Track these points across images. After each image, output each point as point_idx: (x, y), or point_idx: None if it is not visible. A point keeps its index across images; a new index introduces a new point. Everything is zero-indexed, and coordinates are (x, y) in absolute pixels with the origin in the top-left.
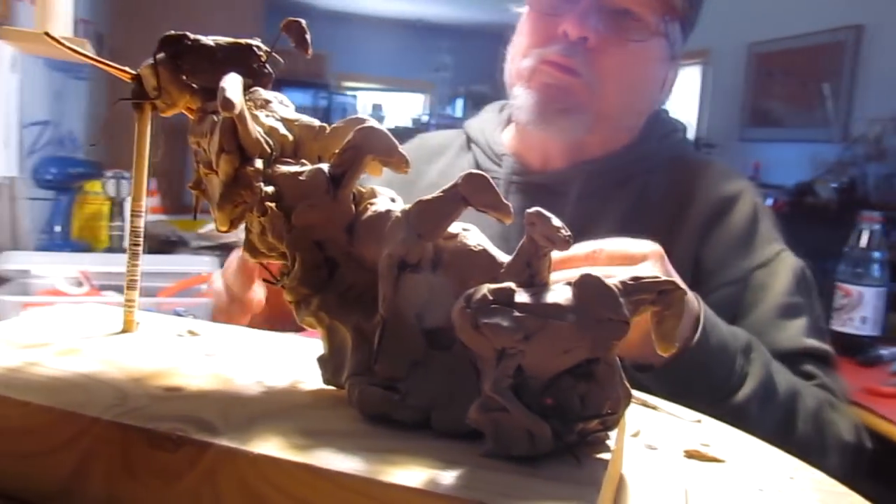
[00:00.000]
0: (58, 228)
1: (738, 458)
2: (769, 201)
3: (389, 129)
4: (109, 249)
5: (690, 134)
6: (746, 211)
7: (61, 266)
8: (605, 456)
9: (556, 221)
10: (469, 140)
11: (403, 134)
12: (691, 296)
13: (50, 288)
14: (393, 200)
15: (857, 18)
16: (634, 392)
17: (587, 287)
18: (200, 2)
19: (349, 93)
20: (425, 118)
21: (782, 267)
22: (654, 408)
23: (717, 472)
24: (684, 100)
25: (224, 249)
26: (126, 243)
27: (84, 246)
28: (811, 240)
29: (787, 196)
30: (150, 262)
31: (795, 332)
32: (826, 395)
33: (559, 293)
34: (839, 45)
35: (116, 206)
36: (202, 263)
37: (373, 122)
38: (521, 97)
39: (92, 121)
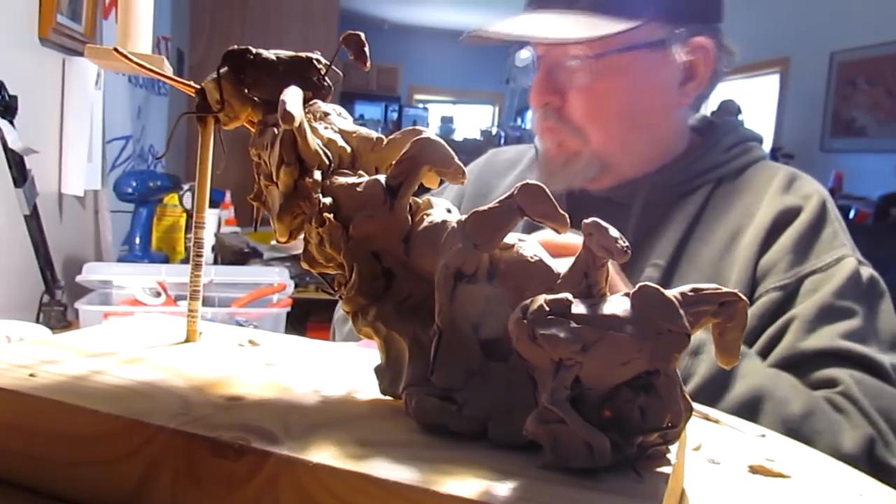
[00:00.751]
0: (138, 240)
1: (804, 474)
2: (851, 213)
3: (459, 141)
4: (186, 261)
5: (768, 144)
6: (810, 217)
7: (140, 277)
8: (665, 470)
9: (614, 231)
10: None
11: (473, 145)
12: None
13: (129, 298)
14: (449, 211)
15: None
16: (696, 405)
17: (646, 298)
18: (276, 18)
19: (420, 105)
20: (494, 130)
21: (839, 272)
22: (716, 421)
23: (783, 488)
24: (763, 109)
25: (296, 260)
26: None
27: (162, 257)
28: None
29: (871, 208)
30: (224, 273)
31: (830, 334)
32: (834, 401)
33: (617, 304)
34: None
35: (192, 218)
36: (274, 274)
37: (429, 133)
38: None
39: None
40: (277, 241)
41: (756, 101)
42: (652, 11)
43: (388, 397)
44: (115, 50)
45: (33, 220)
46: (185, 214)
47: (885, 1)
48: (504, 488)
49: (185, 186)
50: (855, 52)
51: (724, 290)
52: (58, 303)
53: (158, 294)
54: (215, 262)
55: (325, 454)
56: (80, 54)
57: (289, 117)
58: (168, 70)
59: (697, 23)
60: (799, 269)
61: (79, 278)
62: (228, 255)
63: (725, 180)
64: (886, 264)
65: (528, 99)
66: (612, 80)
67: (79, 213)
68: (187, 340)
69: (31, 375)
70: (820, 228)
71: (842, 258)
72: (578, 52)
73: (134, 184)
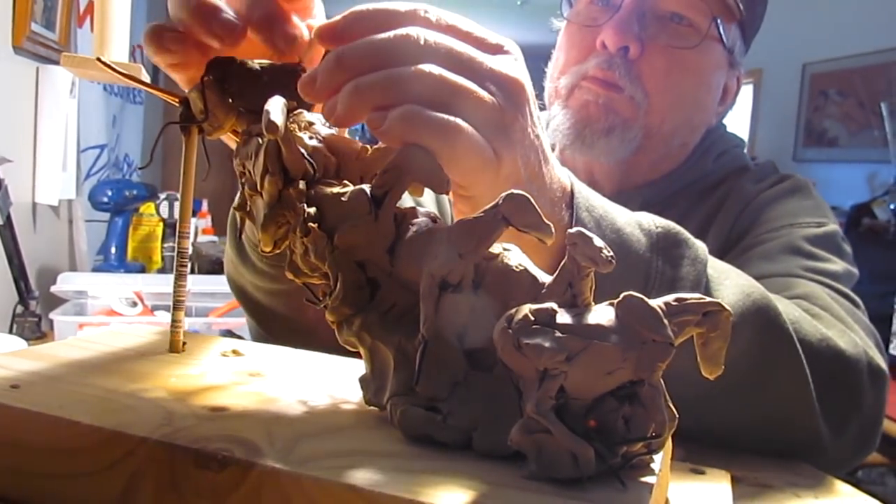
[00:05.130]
0: (113, 250)
1: (784, 483)
2: None
3: None
4: (162, 270)
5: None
6: (792, 185)
7: (116, 287)
8: (650, 479)
9: (598, 241)
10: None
11: None
12: (553, 174)
13: (105, 308)
14: (434, 221)
15: None
16: None
17: (630, 308)
18: None
19: None
20: None
21: (821, 229)
22: None
23: (766, 498)
24: (737, 119)
25: None
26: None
27: (139, 267)
28: (869, 262)
29: (843, 218)
30: (201, 283)
31: (794, 264)
32: (813, 311)
33: (602, 314)
34: None
35: (169, 227)
36: None
37: (414, 143)
38: (558, 118)
39: (147, 144)
40: (262, 252)
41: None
42: (746, 14)
43: (372, 408)
44: (98, 59)
45: (6, 230)
46: (161, 223)
47: (856, 14)
48: (490, 498)
49: (162, 195)
50: (827, 64)
51: (708, 299)
52: (32, 314)
53: (135, 304)
54: (192, 272)
55: (310, 465)
56: (55, 62)
57: (273, 127)
58: (145, 79)
59: (747, 45)
60: (786, 219)
61: (53, 288)
62: (206, 264)
63: (708, 189)
64: (859, 273)
65: (597, 37)
66: (700, 57)
67: (53, 222)
68: (171, 351)
69: (13, 387)
70: (804, 195)
71: (825, 223)
72: (689, 14)
73: (110, 193)
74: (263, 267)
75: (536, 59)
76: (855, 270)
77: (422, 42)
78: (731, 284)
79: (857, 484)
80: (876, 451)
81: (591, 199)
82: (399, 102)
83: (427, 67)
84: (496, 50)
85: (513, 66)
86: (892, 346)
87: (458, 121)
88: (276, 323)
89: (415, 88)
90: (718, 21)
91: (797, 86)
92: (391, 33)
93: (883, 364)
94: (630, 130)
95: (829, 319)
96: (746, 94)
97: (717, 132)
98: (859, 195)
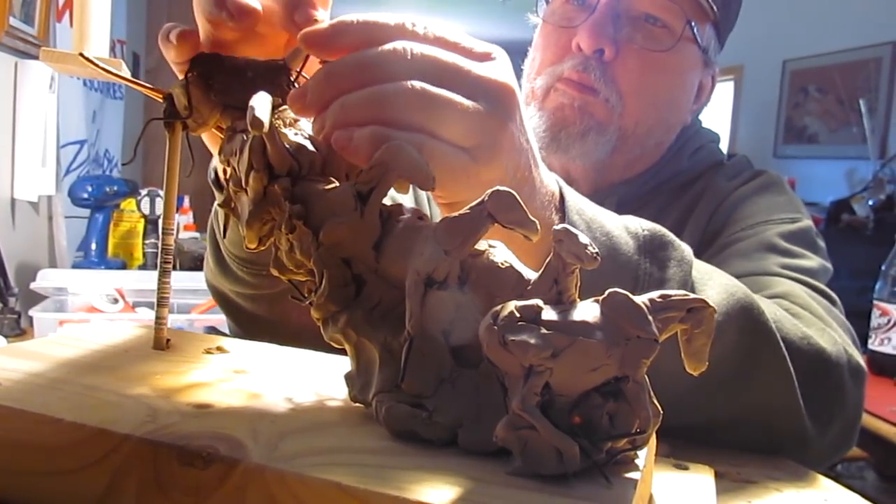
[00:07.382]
0: (94, 246)
1: (768, 480)
2: None
3: None
4: (143, 267)
5: (723, 150)
6: (766, 181)
7: (97, 283)
8: (634, 475)
9: (584, 238)
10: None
11: None
12: (543, 177)
13: (86, 305)
14: (420, 218)
15: (894, 35)
16: None
17: (615, 304)
18: None
19: None
20: None
21: (794, 224)
22: None
23: (749, 494)
24: (717, 116)
25: None
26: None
27: (119, 263)
28: (848, 258)
29: (823, 214)
30: (184, 279)
31: (772, 262)
32: (793, 311)
33: (587, 310)
34: (876, 61)
35: (150, 223)
36: None
37: (399, 140)
38: (534, 120)
39: (128, 140)
40: (247, 248)
41: (711, 107)
42: (721, 14)
43: (358, 404)
44: (81, 55)
45: None
46: (142, 220)
47: (836, 11)
48: (475, 494)
49: (143, 191)
50: (807, 61)
51: (692, 296)
52: (11, 310)
53: (116, 301)
54: (175, 268)
55: (295, 462)
56: (34, 57)
57: (258, 123)
58: (125, 74)
59: (721, 43)
60: (758, 217)
61: (33, 285)
62: (188, 260)
63: (687, 185)
64: (838, 269)
65: (573, 38)
66: (674, 58)
67: (32, 218)
68: (155, 347)
69: None
70: (778, 191)
71: (799, 219)
72: (663, 15)
73: (90, 189)
74: (243, 276)
75: (519, 55)
76: (829, 266)
77: (409, 56)
78: (715, 284)
79: (836, 478)
80: (855, 446)
81: (580, 203)
82: (381, 120)
83: (409, 83)
84: (484, 58)
85: (501, 72)
86: (870, 341)
87: (422, 137)
88: (257, 326)
89: (397, 105)
90: (692, 23)
91: (777, 82)
92: (379, 49)
93: (861, 361)
94: (605, 133)
95: (809, 318)
96: (727, 90)
97: (692, 129)
98: (839, 191)
